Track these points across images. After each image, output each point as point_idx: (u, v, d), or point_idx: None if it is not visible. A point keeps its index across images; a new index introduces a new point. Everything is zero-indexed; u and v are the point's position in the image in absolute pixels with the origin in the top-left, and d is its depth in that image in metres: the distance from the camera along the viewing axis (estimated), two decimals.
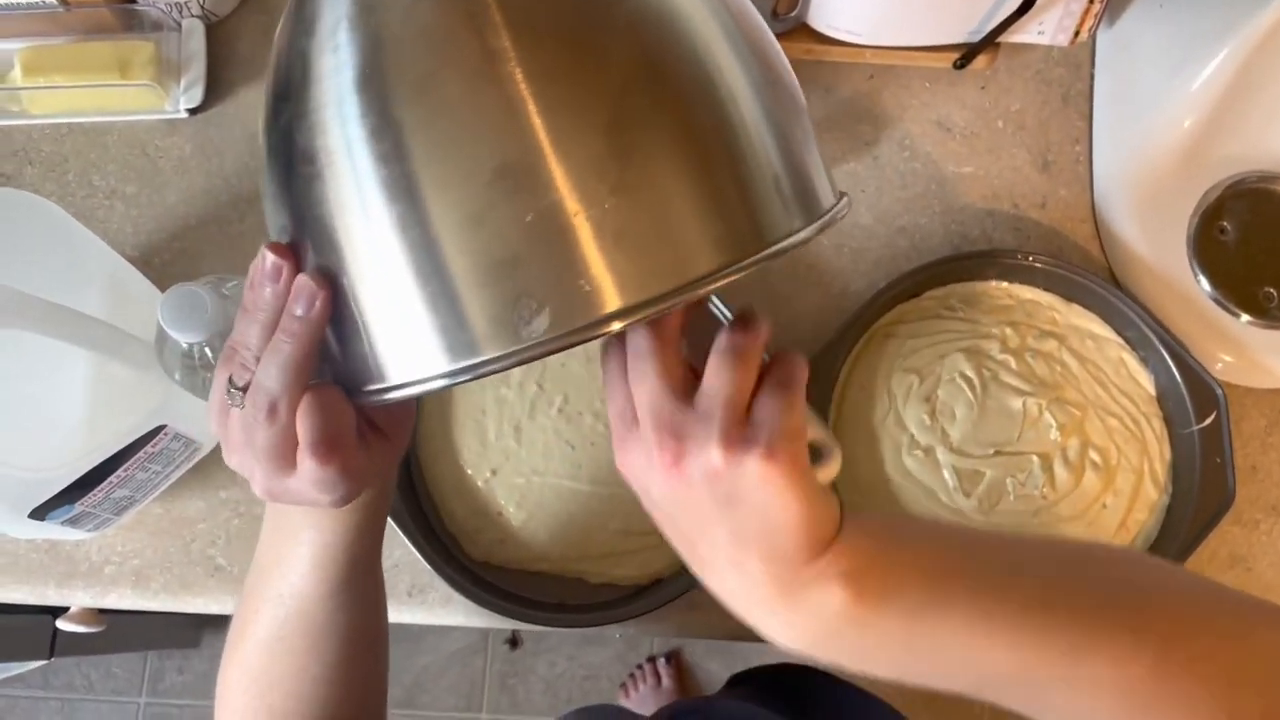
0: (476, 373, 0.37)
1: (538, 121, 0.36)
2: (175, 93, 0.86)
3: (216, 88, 0.88)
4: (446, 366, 0.38)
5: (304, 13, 0.39)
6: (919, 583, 0.41)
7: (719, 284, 0.38)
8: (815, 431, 0.43)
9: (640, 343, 0.41)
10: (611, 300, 0.36)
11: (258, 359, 0.42)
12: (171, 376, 0.63)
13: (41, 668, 1.71)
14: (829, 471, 0.44)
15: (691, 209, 0.37)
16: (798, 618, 0.41)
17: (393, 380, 0.39)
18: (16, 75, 0.85)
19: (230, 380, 0.43)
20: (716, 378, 0.41)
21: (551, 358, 0.76)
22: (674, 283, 0.37)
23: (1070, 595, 0.41)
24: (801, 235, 0.40)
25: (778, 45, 0.44)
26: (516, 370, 0.77)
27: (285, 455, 0.42)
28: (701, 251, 0.38)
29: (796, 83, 0.44)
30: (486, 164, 0.36)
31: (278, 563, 0.52)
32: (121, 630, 1.52)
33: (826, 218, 0.42)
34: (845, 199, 0.44)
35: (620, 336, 0.43)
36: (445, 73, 0.37)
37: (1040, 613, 0.40)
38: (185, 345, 0.61)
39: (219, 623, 1.77)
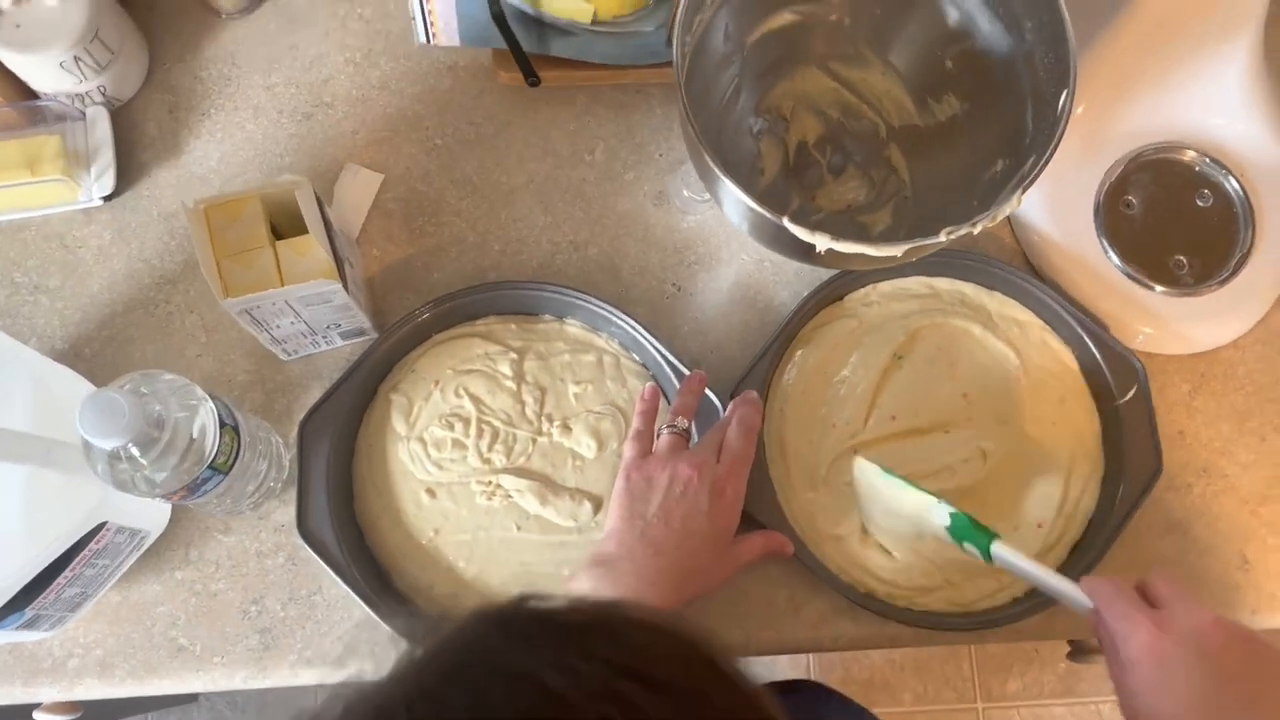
0: None
1: None
2: (87, 182, 0.86)
3: (128, 171, 0.89)
4: None
5: None
6: None
7: None
8: None
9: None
10: None
11: None
12: (100, 476, 0.64)
13: None
14: None
15: None
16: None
17: None
18: None
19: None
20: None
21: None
22: None
23: None
24: None
25: None
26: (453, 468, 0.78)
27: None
28: None
29: None
30: None
31: None
32: (114, 700, 1.51)
33: None
34: None
35: None
36: None
37: None
38: (109, 448, 0.61)
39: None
